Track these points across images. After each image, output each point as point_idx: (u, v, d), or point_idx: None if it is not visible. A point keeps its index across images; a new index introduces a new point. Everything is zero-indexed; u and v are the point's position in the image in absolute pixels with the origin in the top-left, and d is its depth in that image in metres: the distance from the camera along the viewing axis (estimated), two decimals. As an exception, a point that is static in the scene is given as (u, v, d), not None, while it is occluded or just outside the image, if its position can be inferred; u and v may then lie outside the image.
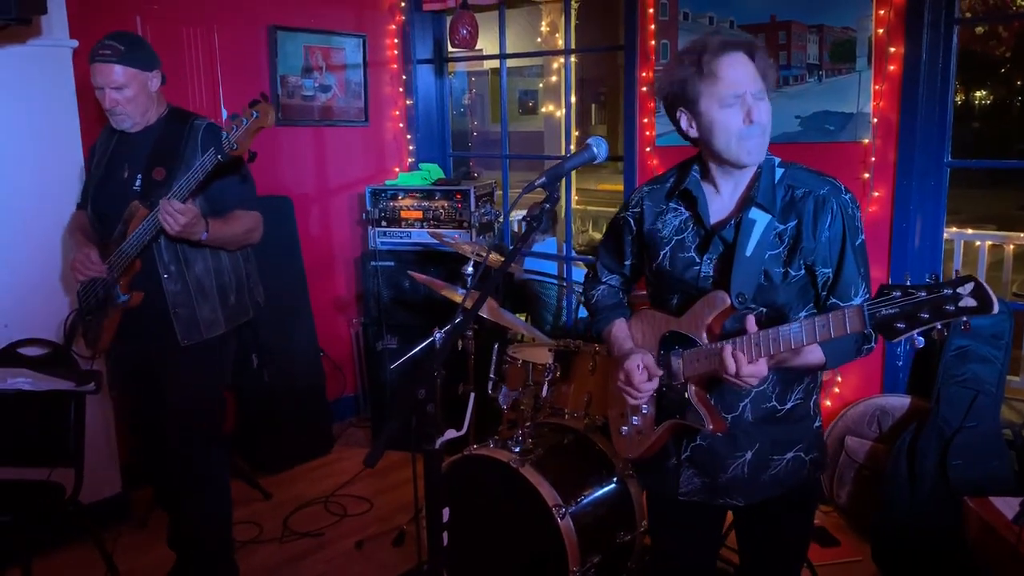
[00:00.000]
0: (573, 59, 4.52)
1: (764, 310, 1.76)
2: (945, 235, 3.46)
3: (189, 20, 3.91)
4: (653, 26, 3.80)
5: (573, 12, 4.39)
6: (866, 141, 3.32)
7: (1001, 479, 2.92)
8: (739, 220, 1.75)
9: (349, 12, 4.57)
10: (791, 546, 2.02)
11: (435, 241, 3.88)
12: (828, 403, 3.54)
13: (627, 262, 2.02)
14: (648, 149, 3.91)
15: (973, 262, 5.54)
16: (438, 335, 3.03)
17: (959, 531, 2.83)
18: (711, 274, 1.79)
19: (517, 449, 2.66)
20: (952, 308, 1.35)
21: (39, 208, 3.21)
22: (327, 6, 4.44)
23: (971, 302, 1.34)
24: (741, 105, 1.69)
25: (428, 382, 1.54)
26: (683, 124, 1.79)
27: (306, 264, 4.35)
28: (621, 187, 4.21)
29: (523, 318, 4.49)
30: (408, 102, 4.82)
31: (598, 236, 8.69)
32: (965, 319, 1.35)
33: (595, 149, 1.84)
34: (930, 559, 2.94)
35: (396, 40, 4.76)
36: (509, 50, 4.67)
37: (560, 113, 5.75)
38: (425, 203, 4.28)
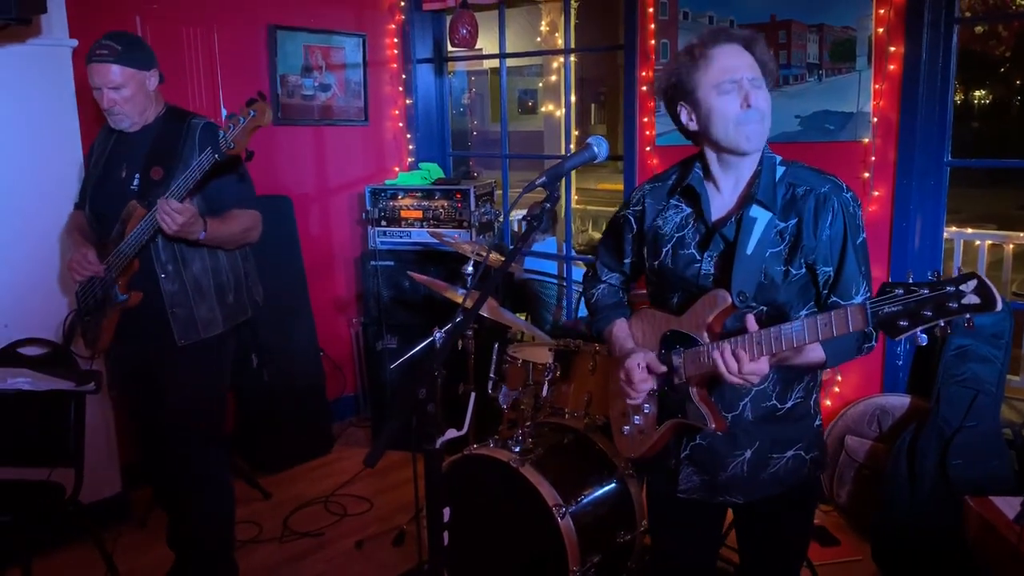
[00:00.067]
0: (573, 58, 4.52)
1: (765, 309, 1.75)
2: (945, 234, 3.46)
3: (189, 20, 3.90)
4: (653, 25, 3.80)
5: (573, 11, 4.39)
6: (866, 140, 3.32)
7: (1001, 479, 2.92)
8: (740, 217, 1.74)
9: (349, 11, 4.57)
10: (791, 545, 2.02)
11: (435, 241, 3.88)
12: (828, 402, 3.54)
13: (627, 260, 2.02)
14: (648, 149, 3.91)
15: (973, 261, 5.54)
16: (438, 335, 3.03)
17: (959, 531, 2.83)
18: (712, 272, 1.78)
19: (517, 449, 2.66)
20: (955, 305, 1.35)
21: (39, 207, 3.21)
22: (327, 6, 4.44)
23: (974, 299, 1.34)
24: (738, 91, 1.70)
25: (428, 382, 1.54)
26: (683, 118, 1.79)
27: (306, 264, 4.35)
28: (621, 187, 4.21)
29: (523, 317, 4.48)
30: (408, 101, 4.82)
31: (598, 235, 8.69)
32: (968, 316, 1.35)
33: (596, 148, 1.84)
34: (930, 559, 2.94)
35: (396, 39, 4.76)
36: (509, 49, 4.67)
37: (560, 113, 5.75)
38: (425, 203, 4.28)
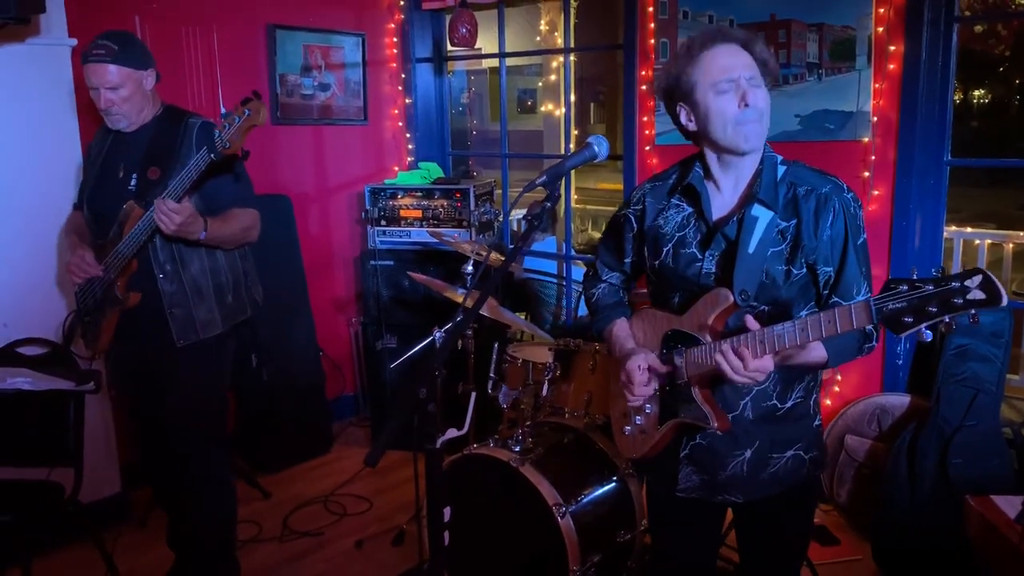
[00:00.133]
0: (572, 58, 4.52)
1: (766, 308, 1.75)
2: (945, 234, 3.46)
3: (188, 19, 3.90)
4: (652, 25, 3.80)
5: (572, 11, 4.39)
6: (866, 140, 3.32)
7: (1001, 478, 2.92)
8: (741, 217, 1.74)
9: (348, 11, 4.56)
10: (791, 545, 2.02)
11: (435, 240, 3.88)
12: (828, 402, 3.54)
13: (627, 260, 2.01)
14: (648, 148, 3.91)
15: (972, 261, 5.55)
16: (438, 334, 3.03)
17: (959, 530, 2.83)
18: (713, 271, 1.78)
19: (517, 448, 2.66)
20: (960, 301, 1.35)
21: (38, 207, 3.21)
22: (326, 5, 4.44)
23: (979, 295, 1.34)
24: (736, 90, 1.69)
25: (429, 381, 1.54)
26: (683, 119, 1.79)
27: (305, 263, 4.34)
28: (620, 186, 4.21)
29: (523, 317, 4.48)
30: (407, 101, 4.81)
31: (597, 235, 8.68)
32: (973, 312, 1.34)
33: (596, 148, 1.83)
34: (930, 558, 2.94)
35: (395, 39, 4.76)
36: (508, 49, 4.67)
37: (559, 112, 5.75)
38: (424, 202, 4.28)
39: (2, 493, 2.75)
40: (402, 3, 4.69)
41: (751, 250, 1.72)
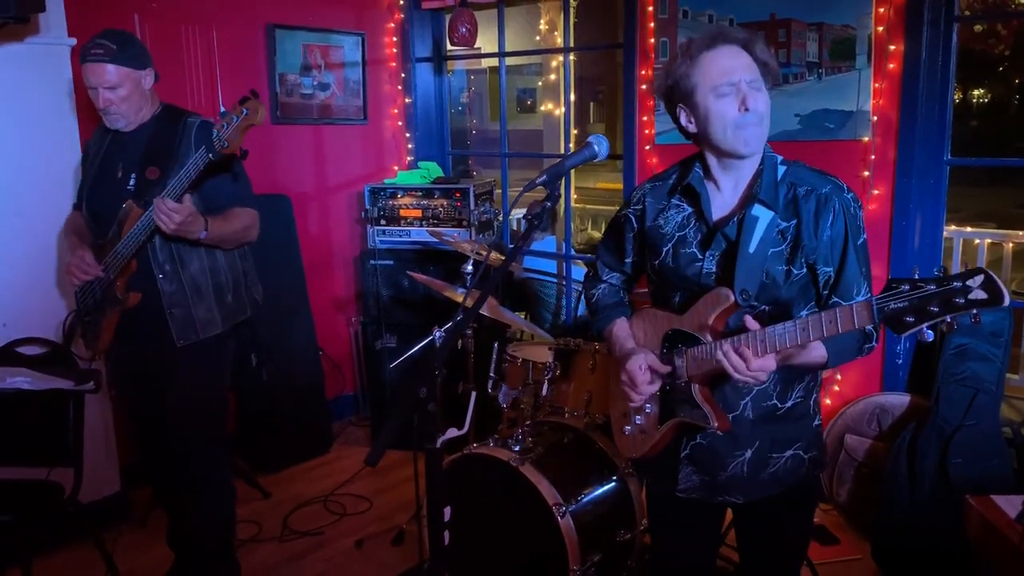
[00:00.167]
0: (572, 57, 4.52)
1: (767, 308, 1.75)
2: (944, 233, 3.46)
3: (188, 18, 3.90)
4: (652, 24, 3.80)
5: (572, 10, 4.39)
6: (866, 139, 3.32)
7: (1001, 477, 2.93)
8: (742, 217, 1.74)
9: (348, 10, 4.56)
10: (791, 544, 2.02)
11: (434, 240, 3.88)
12: (828, 401, 3.53)
13: (628, 260, 2.01)
14: (647, 147, 3.91)
15: (972, 260, 5.54)
16: (437, 334, 3.03)
17: (959, 529, 2.83)
18: (714, 271, 1.78)
19: (517, 448, 2.66)
20: (962, 301, 1.35)
21: (37, 206, 3.20)
22: (326, 4, 4.43)
23: (981, 294, 1.34)
24: (736, 94, 1.69)
25: (429, 381, 1.54)
26: (683, 120, 1.79)
27: (305, 263, 4.34)
28: (620, 185, 4.21)
29: (522, 316, 4.48)
30: (407, 100, 4.81)
31: (596, 234, 8.69)
32: (975, 312, 1.34)
33: (596, 147, 1.83)
34: (930, 557, 2.94)
35: (395, 38, 4.75)
36: (508, 48, 4.67)
37: (559, 111, 5.75)
38: (424, 202, 4.28)
39: (2, 493, 2.75)
40: (402, 2, 4.69)
41: (752, 250, 1.71)
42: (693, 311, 1.77)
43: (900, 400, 3.36)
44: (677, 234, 1.84)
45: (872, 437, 3.37)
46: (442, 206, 4.25)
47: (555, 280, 4.67)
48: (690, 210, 1.84)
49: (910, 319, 1.39)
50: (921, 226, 3.34)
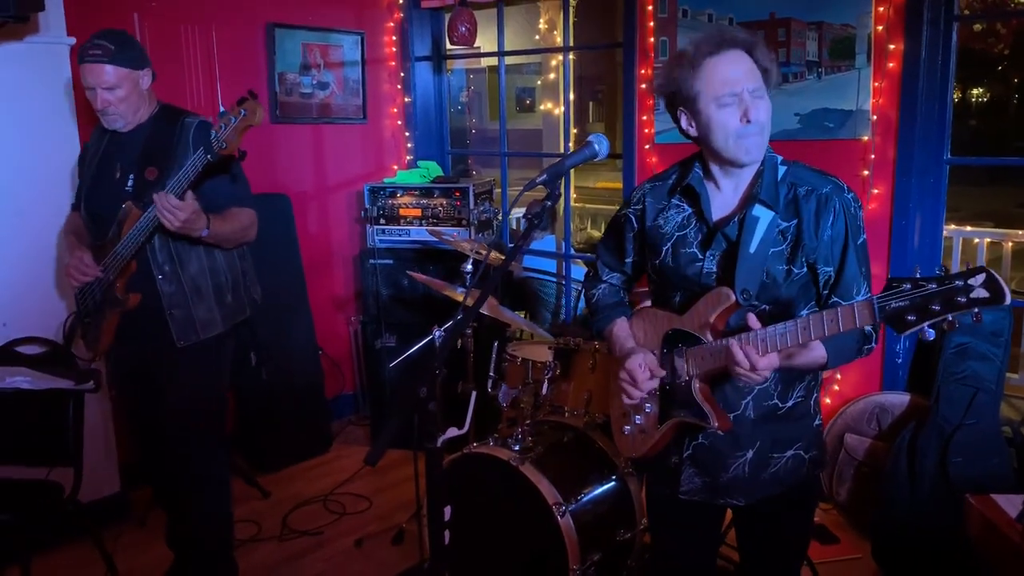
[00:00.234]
0: (571, 56, 4.51)
1: (767, 307, 1.75)
2: (944, 232, 3.46)
3: (187, 18, 3.89)
4: (652, 23, 3.80)
5: (571, 9, 4.39)
6: (865, 138, 3.32)
7: (1001, 476, 2.93)
8: (743, 217, 1.74)
9: (347, 9, 4.56)
10: (791, 544, 2.02)
11: (434, 239, 3.87)
12: (828, 401, 3.54)
13: (628, 260, 2.01)
14: (647, 147, 3.91)
15: (972, 259, 5.55)
16: (437, 333, 3.02)
17: (959, 529, 2.83)
18: (714, 271, 1.78)
19: (517, 447, 2.66)
20: (964, 300, 1.34)
21: (37, 206, 3.20)
22: (325, 4, 4.43)
23: (983, 293, 1.34)
24: (738, 104, 1.69)
25: (429, 380, 1.54)
26: (683, 123, 1.79)
27: (304, 262, 4.34)
28: (619, 185, 4.20)
29: (522, 316, 4.48)
30: (406, 99, 4.81)
31: (596, 234, 8.69)
32: (977, 310, 1.34)
33: (596, 146, 1.83)
34: (930, 557, 2.94)
35: (394, 37, 4.75)
36: (507, 47, 4.67)
37: (558, 111, 5.75)
38: (424, 201, 4.28)
39: (2, 492, 2.74)
40: (401, 1, 4.68)
41: (752, 250, 1.71)
42: (694, 311, 1.77)
43: (900, 399, 3.36)
44: (677, 234, 1.84)
45: (872, 436, 3.37)
46: (441, 205, 4.25)
47: (555, 279, 4.67)
48: (690, 210, 1.84)
49: (911, 318, 1.39)
50: (921, 225, 3.34)
